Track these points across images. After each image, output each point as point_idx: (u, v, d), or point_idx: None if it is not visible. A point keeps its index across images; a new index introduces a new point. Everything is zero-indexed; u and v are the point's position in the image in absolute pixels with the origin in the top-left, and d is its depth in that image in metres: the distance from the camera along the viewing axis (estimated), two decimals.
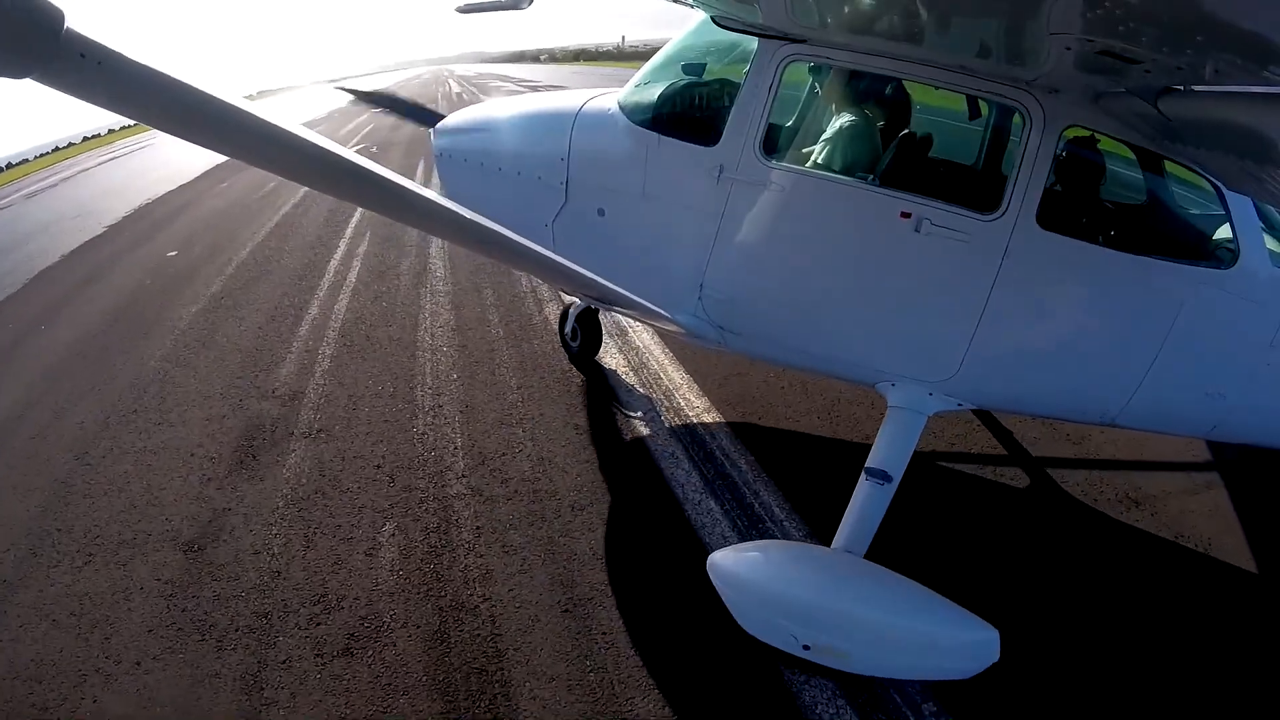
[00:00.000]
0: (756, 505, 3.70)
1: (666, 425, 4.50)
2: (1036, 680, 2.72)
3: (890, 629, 2.59)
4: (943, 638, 2.57)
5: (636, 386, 4.98)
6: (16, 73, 1.10)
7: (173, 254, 9.92)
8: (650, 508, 3.72)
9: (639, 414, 4.63)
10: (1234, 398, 2.93)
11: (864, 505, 2.87)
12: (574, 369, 5.26)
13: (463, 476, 4.11)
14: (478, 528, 3.68)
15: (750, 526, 3.54)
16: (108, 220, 13.26)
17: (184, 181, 16.74)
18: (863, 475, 2.94)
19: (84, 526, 3.99)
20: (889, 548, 2.85)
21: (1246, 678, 2.78)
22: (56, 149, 37.25)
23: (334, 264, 8.46)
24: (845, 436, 4.34)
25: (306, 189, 12.35)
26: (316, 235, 9.91)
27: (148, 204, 14.57)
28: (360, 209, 10.08)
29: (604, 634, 2.98)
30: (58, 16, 1.11)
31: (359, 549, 3.59)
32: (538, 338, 5.91)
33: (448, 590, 3.28)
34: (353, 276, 7.92)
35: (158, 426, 5.03)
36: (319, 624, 3.12)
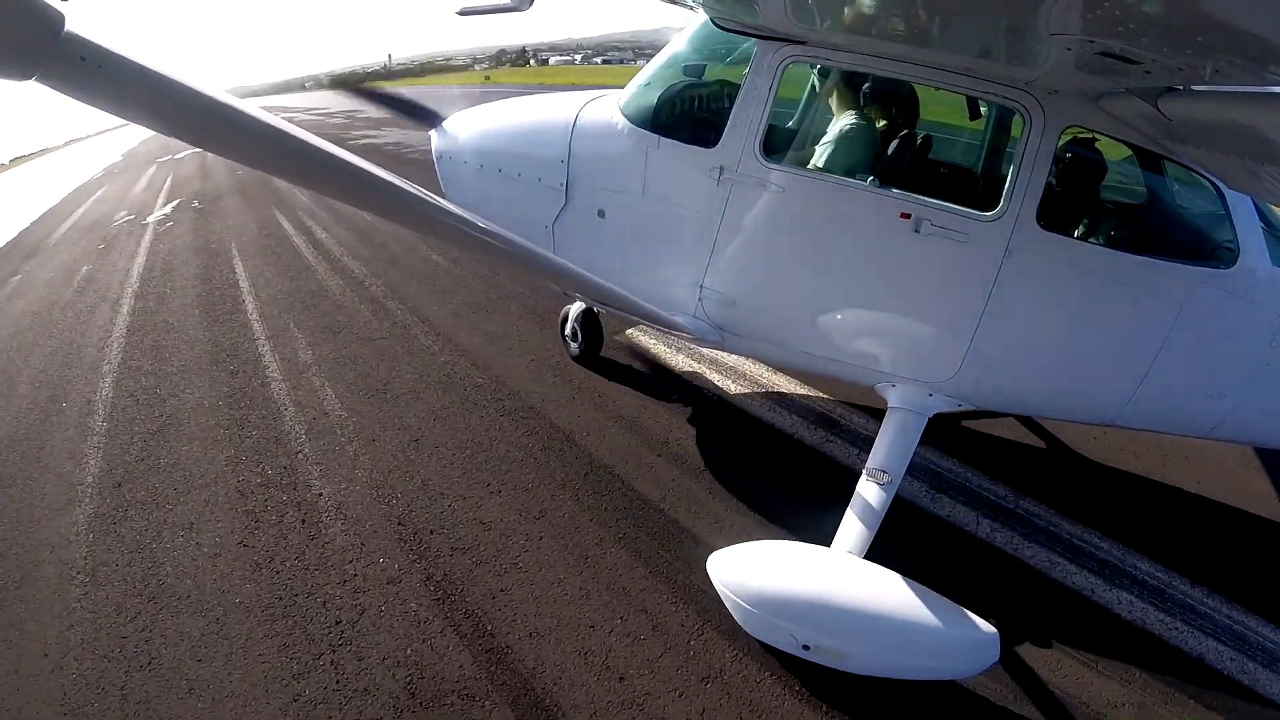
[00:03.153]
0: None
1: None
2: None
3: (889, 629, 2.57)
4: (942, 638, 2.56)
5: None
6: (18, 75, 1.11)
7: None
8: None
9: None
10: (1235, 397, 2.93)
11: (864, 506, 2.86)
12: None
13: None
14: None
15: None
16: None
17: None
18: (863, 476, 2.94)
19: None
20: None
21: None
22: None
23: (280, 387, 5.18)
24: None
25: (140, 264, 9.84)
26: (211, 340, 6.30)
27: None
28: (246, 281, 8.11)
29: None
30: (58, 19, 1.12)
31: None
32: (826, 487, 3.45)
33: None
34: (335, 407, 4.78)
35: None
36: None
